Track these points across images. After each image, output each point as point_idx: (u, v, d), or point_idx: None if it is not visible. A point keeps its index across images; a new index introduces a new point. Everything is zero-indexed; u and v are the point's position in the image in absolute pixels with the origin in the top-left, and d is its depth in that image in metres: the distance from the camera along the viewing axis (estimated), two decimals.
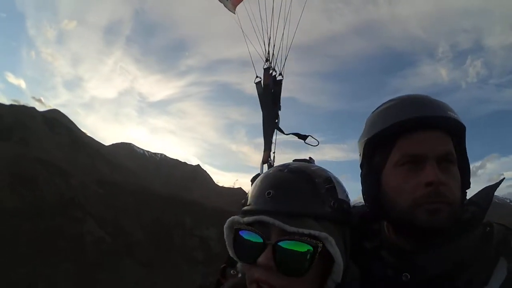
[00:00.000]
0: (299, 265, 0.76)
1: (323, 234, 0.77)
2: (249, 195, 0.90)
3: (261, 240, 0.77)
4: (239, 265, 0.97)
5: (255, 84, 1.75)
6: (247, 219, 0.82)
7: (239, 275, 0.98)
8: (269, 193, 0.82)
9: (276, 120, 1.63)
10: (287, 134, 1.62)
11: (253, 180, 1.18)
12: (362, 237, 1.10)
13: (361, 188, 1.10)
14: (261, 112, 1.65)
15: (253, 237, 0.79)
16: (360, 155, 1.09)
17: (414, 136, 0.95)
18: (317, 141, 1.65)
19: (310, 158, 1.02)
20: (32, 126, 51.35)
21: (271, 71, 1.75)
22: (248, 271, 0.83)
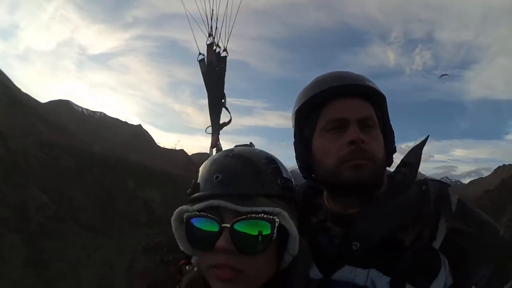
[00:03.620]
0: (259, 243, 0.75)
1: (277, 209, 0.77)
2: (197, 183, 0.87)
3: (216, 225, 0.75)
4: (193, 259, 0.98)
5: (198, 62, 1.59)
6: (197, 206, 0.78)
7: (195, 269, 0.94)
8: (217, 177, 0.80)
9: (223, 100, 1.53)
10: (227, 123, 1.55)
11: None
12: (308, 213, 1.13)
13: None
14: (206, 91, 1.55)
15: (208, 223, 0.76)
16: (292, 126, 1.15)
17: (337, 103, 1.02)
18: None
19: (250, 143, 1.02)
20: None
21: (214, 47, 1.59)
22: (204, 259, 0.81)
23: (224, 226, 0.74)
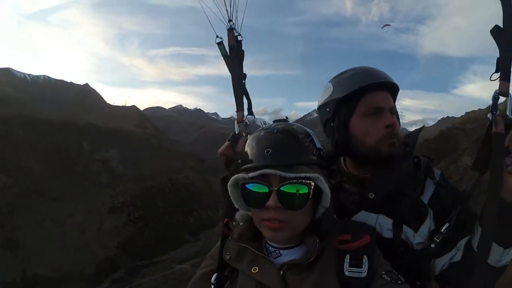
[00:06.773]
0: (299, 201, 0.94)
1: (315, 175, 0.95)
2: (248, 156, 1.03)
3: (266, 188, 0.94)
4: (237, 216, 1.14)
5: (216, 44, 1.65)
6: (252, 174, 0.96)
7: (240, 224, 1.15)
8: (267, 151, 0.97)
9: (244, 81, 1.62)
10: (249, 105, 1.63)
11: (232, 159, 1.24)
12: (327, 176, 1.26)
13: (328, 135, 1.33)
14: (229, 72, 1.62)
15: (259, 187, 0.95)
16: (327, 112, 1.30)
17: (375, 94, 1.23)
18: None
19: (286, 117, 1.18)
20: None
21: (234, 32, 1.63)
22: (257, 214, 1.01)
23: (272, 189, 0.94)
